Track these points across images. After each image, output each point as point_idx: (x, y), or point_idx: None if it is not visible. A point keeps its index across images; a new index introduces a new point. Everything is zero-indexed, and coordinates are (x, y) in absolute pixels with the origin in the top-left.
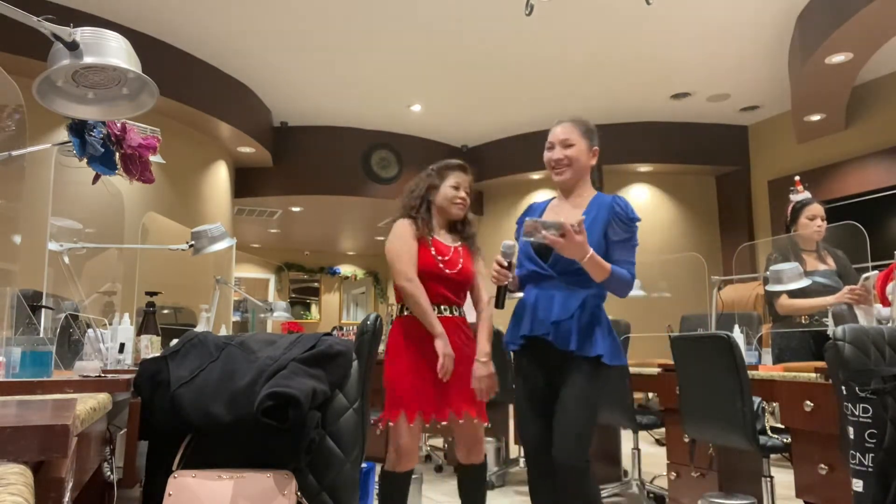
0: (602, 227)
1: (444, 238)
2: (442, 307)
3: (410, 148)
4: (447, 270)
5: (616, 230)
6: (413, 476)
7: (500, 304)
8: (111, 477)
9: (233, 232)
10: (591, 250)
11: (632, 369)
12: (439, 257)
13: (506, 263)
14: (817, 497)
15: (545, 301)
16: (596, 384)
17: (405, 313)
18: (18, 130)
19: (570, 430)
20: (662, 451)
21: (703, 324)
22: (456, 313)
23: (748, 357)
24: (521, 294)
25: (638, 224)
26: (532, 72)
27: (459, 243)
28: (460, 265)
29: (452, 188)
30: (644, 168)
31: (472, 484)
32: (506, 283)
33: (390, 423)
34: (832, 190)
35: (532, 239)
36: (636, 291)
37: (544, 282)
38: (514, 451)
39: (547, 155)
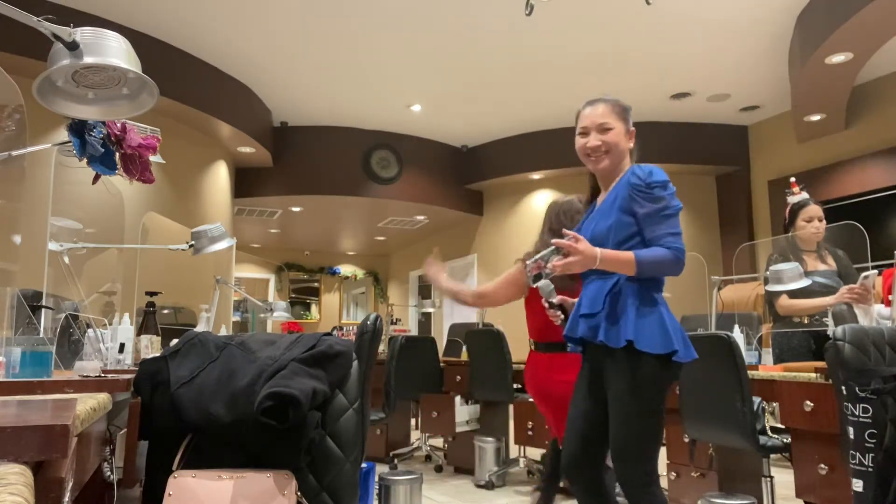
0: (622, 206)
1: None
2: None
3: (410, 148)
4: None
5: (640, 202)
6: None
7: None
8: (111, 477)
9: (233, 232)
10: (599, 251)
11: None
12: None
13: (546, 304)
14: (817, 497)
15: (585, 295)
16: (638, 380)
17: None
18: (18, 130)
19: (618, 444)
20: (662, 451)
21: (703, 324)
22: None
23: (748, 357)
24: None
25: (667, 188)
26: (532, 72)
27: None
28: None
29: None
30: None
31: None
32: (559, 321)
33: None
34: (832, 190)
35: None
36: None
37: (586, 275)
38: (514, 451)
39: (580, 142)
